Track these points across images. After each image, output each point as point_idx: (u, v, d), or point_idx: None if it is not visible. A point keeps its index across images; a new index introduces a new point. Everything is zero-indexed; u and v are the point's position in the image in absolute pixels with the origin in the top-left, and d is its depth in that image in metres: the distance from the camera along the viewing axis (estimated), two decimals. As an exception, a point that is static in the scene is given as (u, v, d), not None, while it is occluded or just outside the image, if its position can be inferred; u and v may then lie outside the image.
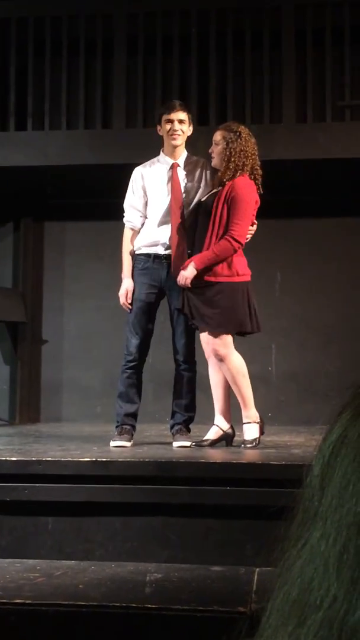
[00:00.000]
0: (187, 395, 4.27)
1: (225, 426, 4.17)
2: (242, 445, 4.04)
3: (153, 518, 3.32)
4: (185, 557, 3.22)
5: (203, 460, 3.56)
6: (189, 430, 4.26)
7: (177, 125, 4.20)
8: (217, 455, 3.80)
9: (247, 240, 4.16)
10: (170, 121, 4.20)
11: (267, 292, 6.16)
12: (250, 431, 4.07)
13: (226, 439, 4.16)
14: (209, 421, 4.30)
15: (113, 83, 5.81)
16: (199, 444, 4.10)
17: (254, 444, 4.03)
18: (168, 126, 4.20)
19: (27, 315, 6.48)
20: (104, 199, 5.68)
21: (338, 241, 6.24)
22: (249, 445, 4.02)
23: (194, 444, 4.11)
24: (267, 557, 0.55)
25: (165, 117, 4.20)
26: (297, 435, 4.91)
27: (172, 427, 4.30)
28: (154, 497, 3.32)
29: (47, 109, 5.83)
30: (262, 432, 4.10)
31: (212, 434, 4.18)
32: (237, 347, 4.23)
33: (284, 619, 0.46)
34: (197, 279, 4.02)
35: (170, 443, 4.19)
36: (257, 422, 4.08)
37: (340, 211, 6.18)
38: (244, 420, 4.09)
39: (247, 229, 4.06)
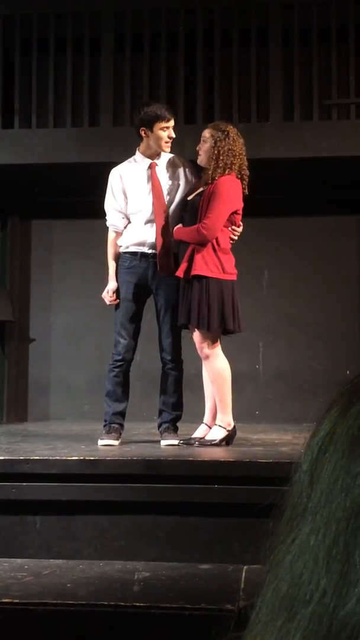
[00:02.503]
0: (174, 394, 4.27)
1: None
2: (196, 443, 4.06)
3: (141, 516, 3.32)
4: (173, 556, 3.23)
5: (191, 459, 3.57)
6: (176, 429, 4.27)
7: (172, 133, 4.20)
8: (204, 453, 3.80)
9: (233, 242, 4.17)
10: (167, 128, 4.19)
11: (255, 290, 6.17)
12: (215, 433, 4.09)
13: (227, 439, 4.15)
14: (197, 419, 4.31)
15: (100, 81, 5.79)
16: (187, 442, 4.11)
17: (210, 444, 4.03)
18: (165, 133, 4.18)
19: (15, 313, 6.46)
20: (91, 197, 5.65)
21: (325, 239, 6.27)
22: (205, 442, 4.04)
23: (181, 442, 4.12)
24: (255, 555, 0.55)
25: (162, 125, 4.17)
26: (285, 433, 4.93)
27: (159, 426, 4.30)
28: (142, 495, 3.33)
29: (34, 107, 5.81)
30: (227, 442, 4.09)
31: (200, 432, 4.19)
32: (224, 346, 4.24)
33: (274, 614, 0.46)
34: (186, 272, 4.03)
35: (158, 441, 4.19)
36: (227, 430, 4.08)
37: (327, 209, 6.20)
38: (216, 422, 4.11)
39: (219, 223, 4.03)
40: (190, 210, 4.16)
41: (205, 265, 4.02)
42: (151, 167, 4.28)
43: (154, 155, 4.29)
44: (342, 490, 0.46)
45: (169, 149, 4.26)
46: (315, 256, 6.26)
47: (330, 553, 0.45)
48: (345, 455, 0.48)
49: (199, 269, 4.01)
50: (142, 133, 4.23)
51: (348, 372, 5.88)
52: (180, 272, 4.07)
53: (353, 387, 0.52)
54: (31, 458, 3.45)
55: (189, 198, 4.21)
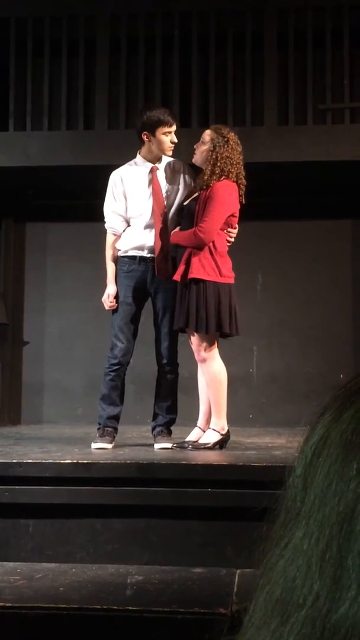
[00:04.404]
0: (169, 397, 4.27)
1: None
2: (190, 446, 4.06)
3: (134, 520, 3.31)
4: (166, 559, 3.22)
5: (184, 462, 3.56)
6: (170, 432, 4.26)
7: (175, 137, 4.20)
8: (198, 456, 3.80)
9: (230, 244, 4.17)
10: (169, 133, 4.19)
11: (249, 293, 6.18)
12: (209, 436, 4.09)
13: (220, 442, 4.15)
14: (191, 423, 4.30)
15: (95, 84, 5.80)
16: (181, 446, 4.11)
17: (203, 447, 4.03)
18: (167, 138, 4.18)
19: (8, 316, 6.45)
20: (85, 200, 5.67)
21: (319, 243, 6.28)
22: (198, 446, 4.04)
23: (175, 445, 4.11)
24: (248, 559, 0.55)
25: (165, 129, 4.16)
26: (278, 436, 4.93)
27: (153, 429, 4.29)
28: (135, 499, 3.32)
29: (29, 110, 5.81)
30: (222, 446, 4.09)
31: (194, 435, 4.19)
32: (218, 349, 4.24)
33: (267, 618, 0.46)
34: (184, 276, 4.04)
35: (152, 445, 4.19)
36: (221, 434, 4.08)
37: (321, 213, 6.22)
38: (210, 426, 4.11)
39: (215, 227, 4.03)
40: (187, 215, 4.16)
41: (202, 268, 4.02)
42: (152, 171, 4.27)
43: (155, 159, 4.28)
44: (336, 494, 0.46)
45: (171, 153, 4.26)
46: (309, 260, 6.27)
47: (324, 557, 0.45)
48: (339, 460, 0.48)
49: (195, 272, 4.02)
50: (144, 137, 4.22)
51: (341, 375, 5.90)
52: (177, 276, 4.08)
53: (346, 391, 0.52)
54: (24, 461, 3.44)
55: (185, 203, 4.22)
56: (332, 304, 6.23)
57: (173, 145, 4.22)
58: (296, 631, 0.44)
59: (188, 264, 4.04)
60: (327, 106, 5.60)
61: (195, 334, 4.07)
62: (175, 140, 4.21)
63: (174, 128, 4.20)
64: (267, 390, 6.24)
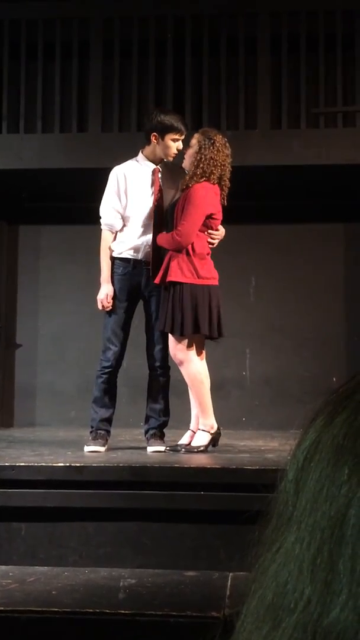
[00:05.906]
0: (162, 400, 4.26)
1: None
2: (183, 450, 4.06)
3: (127, 523, 3.31)
4: (159, 563, 3.22)
5: (177, 465, 3.56)
6: (163, 435, 4.26)
7: (181, 145, 4.20)
8: (191, 459, 3.80)
9: (213, 246, 4.17)
10: (177, 140, 4.18)
11: (242, 297, 6.19)
12: (200, 438, 4.09)
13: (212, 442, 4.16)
14: (184, 426, 4.30)
15: (89, 87, 5.80)
16: (174, 449, 4.11)
17: (196, 450, 4.04)
18: (174, 144, 4.17)
19: (1, 318, 6.44)
20: (79, 202, 5.67)
21: (312, 246, 6.29)
22: (191, 449, 4.04)
23: (168, 448, 4.11)
24: (241, 562, 0.55)
25: (175, 136, 4.15)
26: (271, 439, 4.93)
27: (146, 432, 4.29)
28: (127, 502, 3.32)
29: (23, 112, 5.81)
30: (214, 444, 4.10)
31: (187, 438, 4.19)
32: (211, 352, 4.25)
33: (259, 623, 0.46)
34: (163, 279, 4.04)
35: (145, 448, 4.18)
36: (210, 433, 4.08)
37: (314, 216, 6.23)
38: (199, 427, 4.11)
39: (192, 229, 4.03)
40: (170, 218, 4.17)
41: (179, 271, 4.03)
42: (154, 172, 4.26)
43: (156, 160, 4.26)
44: (327, 499, 0.46)
45: (172, 159, 4.26)
46: (302, 263, 6.29)
47: (315, 562, 0.45)
48: (330, 465, 0.48)
49: (173, 275, 4.03)
50: (153, 138, 4.19)
51: (334, 378, 5.92)
52: (157, 279, 4.09)
53: (338, 396, 0.52)
54: (17, 464, 3.43)
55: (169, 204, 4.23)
56: (325, 307, 6.24)
57: (177, 152, 4.21)
58: (287, 636, 0.44)
59: (168, 266, 4.05)
60: (320, 110, 5.62)
61: (171, 336, 4.08)
62: (181, 147, 4.20)
63: (183, 137, 4.19)
64: (260, 393, 6.24)
